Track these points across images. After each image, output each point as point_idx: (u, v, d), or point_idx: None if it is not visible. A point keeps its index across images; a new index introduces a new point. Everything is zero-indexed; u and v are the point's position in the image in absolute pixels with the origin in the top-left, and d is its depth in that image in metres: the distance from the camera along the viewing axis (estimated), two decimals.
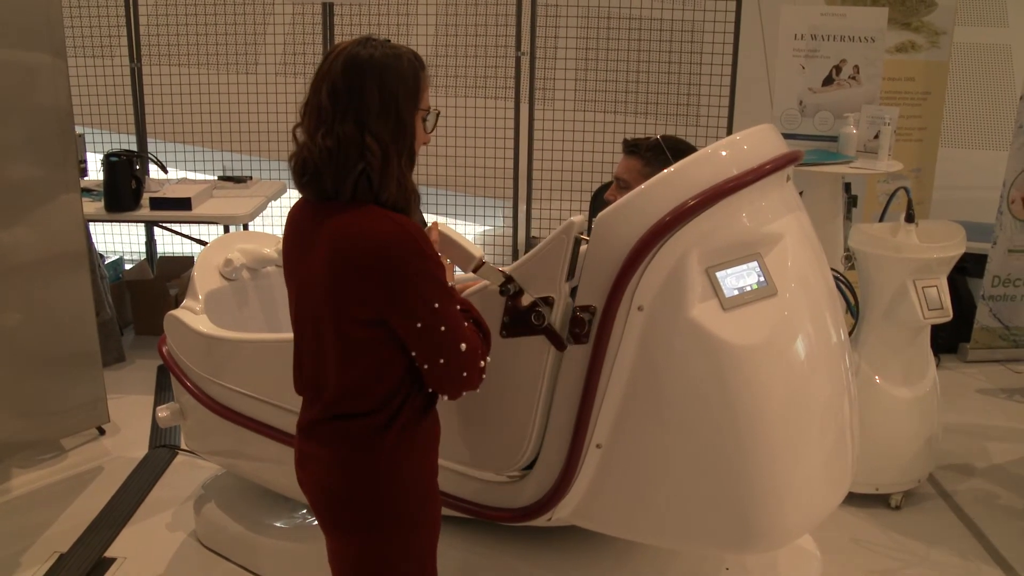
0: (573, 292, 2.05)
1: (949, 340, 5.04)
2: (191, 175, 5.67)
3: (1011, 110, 5.17)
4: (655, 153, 2.50)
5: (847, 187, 4.21)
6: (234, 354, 2.86)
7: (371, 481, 1.85)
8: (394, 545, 1.89)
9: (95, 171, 5.13)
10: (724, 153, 2.04)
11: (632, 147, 2.57)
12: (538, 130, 5.56)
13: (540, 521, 2.24)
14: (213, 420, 2.93)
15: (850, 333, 3.36)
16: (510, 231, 5.87)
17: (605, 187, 3.19)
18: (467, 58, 5.58)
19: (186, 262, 5.45)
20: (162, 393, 4.49)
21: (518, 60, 5.43)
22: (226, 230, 4.64)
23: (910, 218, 3.44)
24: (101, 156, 4.69)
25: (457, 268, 2.06)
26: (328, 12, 5.54)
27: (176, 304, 3.44)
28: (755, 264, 2.05)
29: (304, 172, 1.81)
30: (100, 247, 5.70)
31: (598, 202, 3.73)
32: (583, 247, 2.03)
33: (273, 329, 3.23)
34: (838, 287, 3.04)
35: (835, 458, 2.20)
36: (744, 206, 2.04)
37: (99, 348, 3.98)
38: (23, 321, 3.71)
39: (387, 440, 1.83)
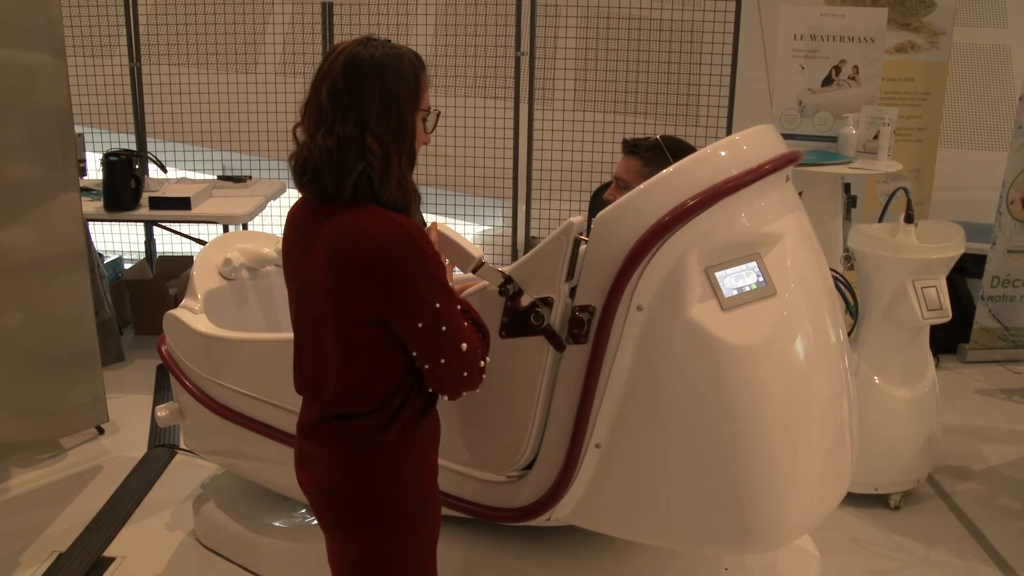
0: (573, 292, 2.05)
1: (948, 341, 5.04)
2: (190, 175, 5.67)
3: (1010, 111, 5.17)
4: (654, 153, 2.50)
5: (846, 187, 4.21)
6: (233, 354, 2.86)
7: (371, 481, 1.85)
8: (394, 545, 1.89)
9: (94, 170, 5.13)
10: (723, 153, 2.04)
11: (631, 147, 2.57)
12: (537, 130, 5.56)
13: (539, 521, 2.24)
14: (212, 420, 2.93)
15: (849, 333, 3.36)
16: (509, 231, 5.87)
17: (604, 187, 3.19)
18: (467, 58, 5.58)
19: (185, 262, 5.45)
20: (161, 393, 4.49)
21: (518, 60, 5.43)
22: (225, 230, 4.64)
23: (909, 218, 3.44)
24: (100, 155, 4.69)
25: (456, 268, 2.06)
26: (327, 12, 5.54)
27: (175, 304, 3.44)
28: (754, 264, 2.05)
29: (304, 172, 1.81)
30: (99, 246, 5.70)
31: (597, 202, 3.73)
32: (582, 247, 2.03)
33: (272, 329, 3.23)
34: (837, 287, 3.04)
35: (834, 458, 2.20)
36: (743, 206, 2.04)
37: (98, 348, 3.98)
38: (22, 320, 3.71)
39: (387, 440, 1.83)
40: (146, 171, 5.13)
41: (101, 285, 4.71)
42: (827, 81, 4.21)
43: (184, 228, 5.39)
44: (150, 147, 5.62)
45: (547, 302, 2.05)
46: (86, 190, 4.66)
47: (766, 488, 2.02)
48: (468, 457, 2.29)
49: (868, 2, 4.82)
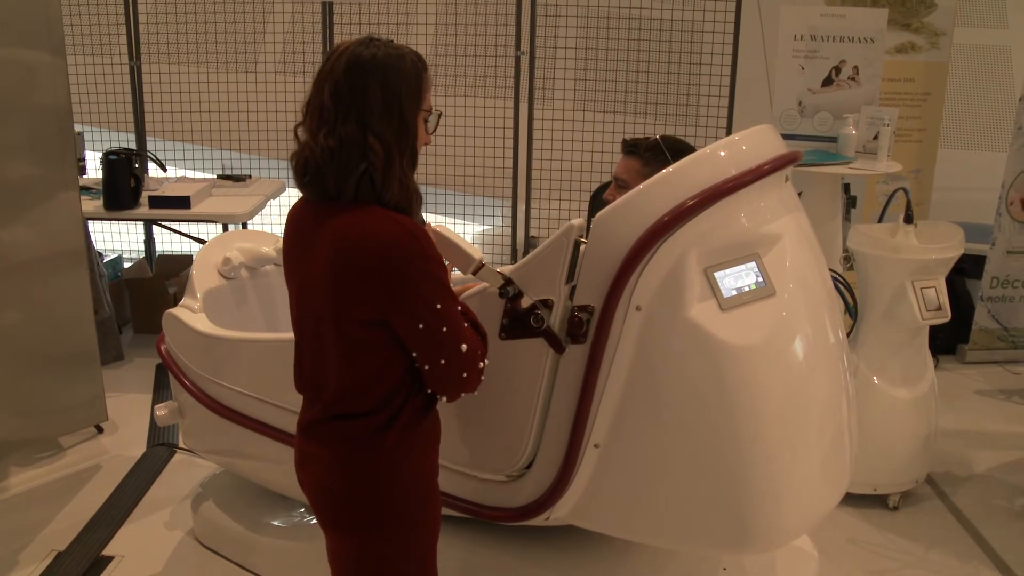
0: (573, 293, 2.05)
1: (947, 341, 5.04)
2: (190, 173, 5.67)
3: (1010, 111, 5.17)
4: (654, 153, 2.50)
5: (846, 188, 4.21)
6: (232, 353, 2.86)
7: (371, 481, 1.85)
8: (394, 545, 1.89)
9: (94, 169, 5.13)
10: (723, 153, 2.04)
11: (631, 147, 2.56)
12: (537, 130, 5.56)
13: (538, 521, 2.24)
14: (211, 419, 2.93)
15: (848, 334, 3.36)
16: (509, 231, 5.87)
17: (604, 187, 3.19)
18: (467, 57, 5.58)
19: (185, 261, 5.45)
20: (160, 392, 4.49)
21: (518, 60, 5.43)
22: (225, 229, 4.64)
23: (909, 219, 3.44)
24: (100, 154, 4.69)
25: (455, 270, 2.06)
26: (327, 11, 5.54)
27: (175, 303, 3.44)
28: (753, 264, 2.05)
29: (306, 172, 1.81)
30: (99, 245, 5.70)
31: (597, 202, 3.73)
32: (582, 249, 2.03)
33: (272, 328, 3.23)
34: (836, 288, 3.04)
35: (833, 458, 2.20)
36: (743, 206, 2.04)
37: (97, 346, 3.98)
38: (22, 319, 3.71)
39: (388, 440, 1.83)
40: (146, 170, 5.13)
41: (100, 284, 4.71)
42: (827, 81, 4.21)
43: (184, 227, 5.39)
44: (150, 146, 5.62)
45: (547, 304, 2.05)
46: (85, 189, 4.65)
47: (764, 488, 2.02)
48: (468, 458, 2.29)
49: (868, 2, 4.82)
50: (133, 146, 5.53)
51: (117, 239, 6.12)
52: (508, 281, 2.06)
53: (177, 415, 3.16)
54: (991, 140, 6.09)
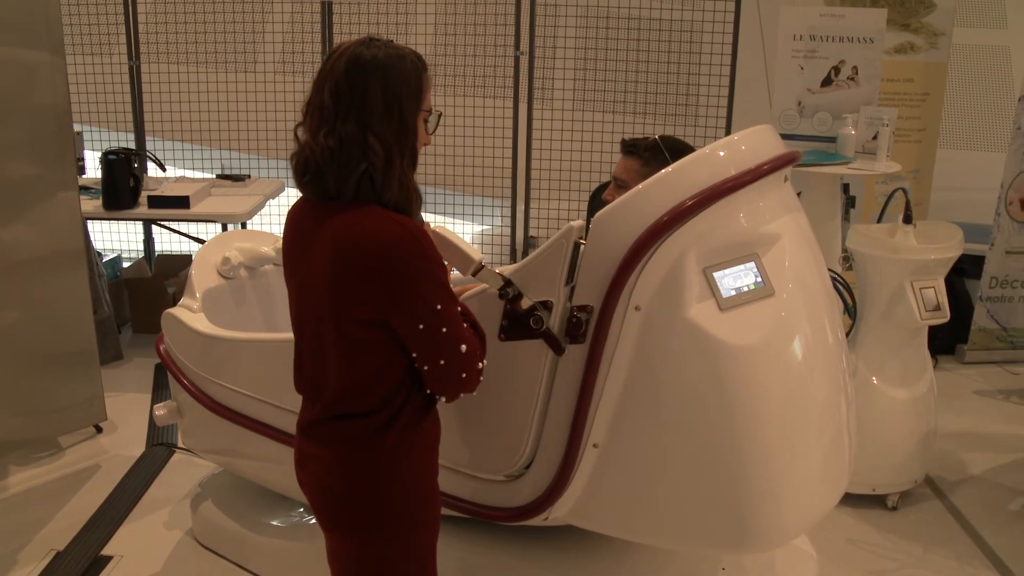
0: (572, 294, 2.05)
1: (946, 341, 5.04)
2: (189, 173, 5.67)
3: (1009, 112, 5.17)
4: (653, 153, 2.50)
5: (845, 188, 4.21)
6: (232, 353, 2.86)
7: (371, 481, 1.85)
8: (394, 545, 1.89)
9: (93, 169, 5.13)
10: (722, 153, 2.04)
11: (630, 147, 2.56)
12: (537, 130, 5.56)
13: (537, 520, 2.24)
14: (210, 419, 2.93)
15: (847, 334, 3.36)
16: (508, 231, 5.87)
17: (603, 187, 3.19)
18: (466, 57, 5.58)
19: (184, 260, 5.45)
20: (159, 391, 4.49)
21: (517, 60, 5.43)
22: (224, 228, 4.64)
23: (908, 219, 3.45)
24: (99, 154, 4.69)
25: (454, 270, 2.06)
26: (327, 11, 5.54)
27: (174, 302, 3.44)
28: (752, 264, 2.05)
29: (306, 171, 1.81)
30: (98, 245, 5.70)
31: (596, 202, 3.73)
32: (582, 250, 2.03)
33: (271, 328, 3.23)
34: (836, 288, 3.04)
35: (832, 458, 2.20)
36: (742, 206, 2.04)
37: (96, 346, 3.97)
38: (21, 319, 3.71)
39: (388, 440, 1.83)
40: (145, 170, 5.13)
41: (99, 284, 4.71)
42: (826, 81, 4.21)
43: (183, 227, 5.38)
44: (149, 146, 5.62)
45: (546, 305, 2.05)
46: (85, 188, 4.65)
47: (764, 488, 2.03)
48: (467, 458, 2.29)
49: (867, 3, 4.82)
50: (132, 146, 5.53)
51: (116, 239, 6.12)
52: (508, 282, 2.06)
53: (176, 415, 3.16)
54: (990, 140, 6.09)
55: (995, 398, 4.70)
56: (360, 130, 1.76)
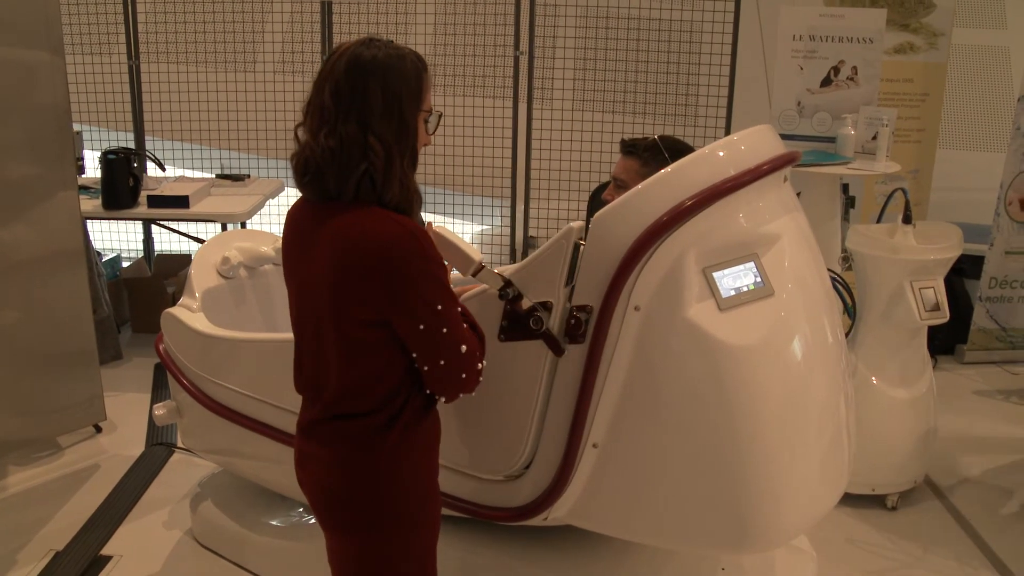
0: (572, 295, 2.05)
1: (946, 341, 5.04)
2: (189, 173, 5.67)
3: (1009, 112, 5.17)
4: (652, 153, 2.50)
5: (845, 188, 4.21)
6: (231, 353, 2.86)
7: (371, 481, 1.85)
8: (394, 545, 1.89)
9: (93, 169, 5.13)
10: (721, 153, 2.04)
11: (630, 147, 2.56)
12: (536, 130, 5.56)
13: (536, 520, 2.24)
14: (210, 418, 2.93)
15: (847, 334, 3.36)
16: (508, 230, 5.87)
17: (603, 187, 3.19)
18: (466, 57, 5.58)
19: (183, 260, 5.45)
20: (159, 391, 4.49)
21: (517, 60, 5.43)
22: (224, 228, 4.64)
23: (907, 219, 3.45)
24: (99, 154, 4.69)
25: (454, 271, 2.06)
26: (326, 11, 5.54)
27: (173, 302, 3.44)
28: (752, 264, 2.05)
29: (306, 171, 1.81)
30: (97, 245, 5.70)
31: (596, 202, 3.73)
32: (581, 251, 2.03)
33: (270, 327, 3.23)
34: (835, 288, 3.04)
35: (831, 458, 2.20)
36: (741, 206, 2.04)
37: (96, 346, 3.97)
38: (20, 319, 3.71)
39: (388, 440, 1.83)
40: (144, 169, 5.13)
41: (99, 283, 4.71)
42: (826, 82, 4.21)
43: (182, 227, 5.38)
44: (148, 145, 5.62)
45: (546, 306, 2.05)
46: (84, 188, 4.65)
47: (763, 488, 2.03)
48: (467, 458, 2.29)
49: (867, 3, 4.82)
50: (132, 145, 5.53)
51: (116, 238, 6.12)
52: (507, 283, 2.06)
53: (175, 414, 3.16)
54: (989, 140, 6.10)
55: (994, 398, 4.70)
56: (360, 130, 1.76)
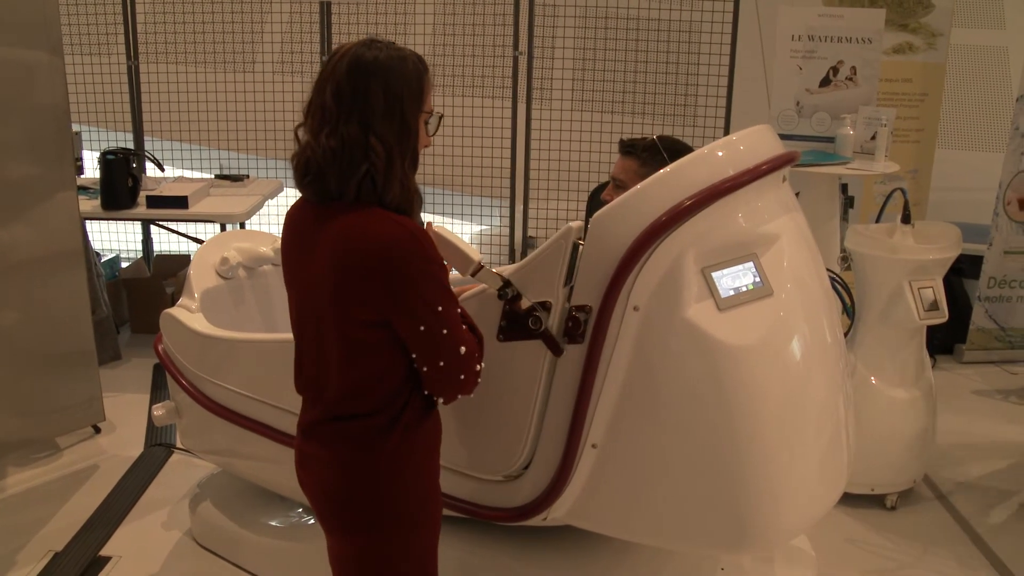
0: (571, 295, 2.05)
1: (945, 341, 5.05)
2: (188, 173, 5.67)
3: (1007, 112, 5.18)
4: (651, 153, 2.50)
5: (844, 188, 4.21)
6: (230, 353, 2.86)
7: (372, 482, 1.85)
8: (395, 545, 1.89)
9: (92, 169, 5.13)
10: (720, 153, 2.04)
11: (628, 147, 2.56)
12: (535, 130, 5.56)
13: (536, 521, 2.24)
14: (209, 419, 2.92)
15: (846, 334, 3.37)
16: (507, 231, 5.87)
17: (602, 187, 3.19)
18: (465, 57, 5.58)
19: (182, 260, 5.45)
20: (158, 392, 4.49)
21: (516, 60, 5.43)
22: (223, 228, 4.64)
23: (906, 219, 3.45)
24: (98, 154, 4.69)
25: (453, 271, 2.06)
26: (325, 11, 5.54)
27: (172, 302, 3.44)
28: (751, 264, 2.05)
29: (307, 172, 1.81)
30: (96, 245, 5.70)
31: (595, 202, 3.73)
32: (580, 251, 2.03)
33: (269, 328, 3.23)
34: (834, 288, 3.05)
35: (831, 458, 2.20)
36: (740, 206, 2.04)
37: (95, 346, 3.97)
38: (19, 319, 3.71)
39: (390, 441, 1.84)
40: (143, 170, 5.13)
41: (98, 284, 4.71)
42: (825, 82, 4.21)
43: (181, 227, 5.38)
44: (147, 146, 5.61)
45: (545, 306, 2.05)
46: (83, 188, 4.65)
47: (762, 488, 2.03)
48: (466, 458, 2.29)
49: (866, 3, 4.82)
50: (131, 146, 5.52)
51: (115, 239, 6.11)
52: (507, 283, 2.06)
53: (174, 415, 3.16)
54: (988, 140, 6.10)
55: (993, 398, 4.71)
56: (362, 131, 1.76)
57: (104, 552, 3.21)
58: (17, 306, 3.70)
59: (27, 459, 3.82)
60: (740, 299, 2.02)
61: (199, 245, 3.62)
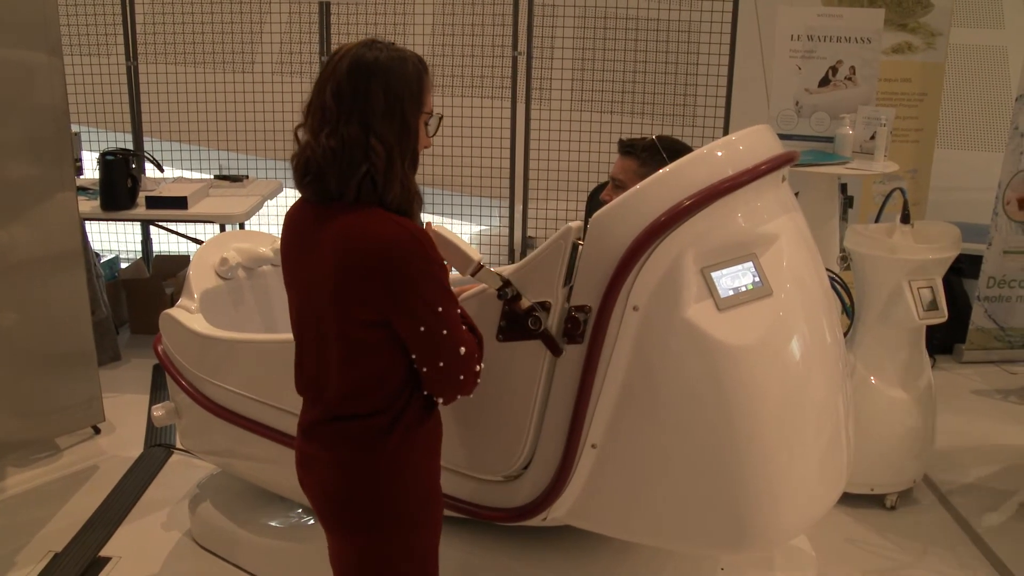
0: (570, 295, 2.05)
1: (944, 341, 5.05)
2: (187, 174, 5.67)
3: (1007, 111, 5.18)
4: (651, 153, 2.49)
5: (843, 188, 4.21)
6: (229, 354, 2.86)
7: (373, 482, 1.85)
8: (395, 545, 1.89)
9: (91, 170, 5.12)
10: (720, 153, 2.04)
11: (628, 147, 2.56)
12: (535, 130, 5.56)
13: (535, 521, 2.24)
14: (208, 419, 2.92)
15: (845, 334, 3.37)
16: (506, 231, 5.87)
17: (601, 187, 3.19)
18: (464, 57, 5.58)
19: (182, 261, 5.45)
20: (157, 392, 4.49)
21: (515, 60, 5.43)
22: (222, 229, 4.64)
23: (906, 219, 3.45)
24: (97, 155, 4.69)
25: (453, 271, 2.06)
26: (325, 11, 5.54)
27: (172, 303, 3.44)
28: (750, 264, 2.06)
29: (307, 172, 1.82)
30: (96, 246, 5.69)
31: (594, 202, 3.73)
32: (580, 251, 2.03)
33: (269, 328, 3.23)
34: (833, 288, 3.05)
35: (830, 458, 2.20)
36: (739, 206, 2.04)
37: (94, 347, 3.97)
38: (18, 320, 3.71)
39: (390, 442, 1.84)
40: (143, 170, 5.13)
41: (97, 284, 4.71)
42: (824, 81, 4.22)
43: (181, 227, 5.38)
44: (147, 146, 5.61)
45: (545, 306, 2.05)
46: (83, 189, 4.65)
47: (762, 488, 2.03)
48: (466, 459, 2.29)
49: (865, 3, 4.82)
50: (130, 146, 5.52)
51: (114, 239, 6.11)
52: (506, 283, 2.06)
53: (174, 416, 3.16)
54: (988, 140, 6.10)
55: (993, 398, 4.71)
56: (362, 131, 1.77)
57: (104, 553, 3.21)
58: (17, 306, 3.70)
59: (27, 459, 3.82)
60: (739, 299, 2.02)
61: (198, 246, 3.61)
